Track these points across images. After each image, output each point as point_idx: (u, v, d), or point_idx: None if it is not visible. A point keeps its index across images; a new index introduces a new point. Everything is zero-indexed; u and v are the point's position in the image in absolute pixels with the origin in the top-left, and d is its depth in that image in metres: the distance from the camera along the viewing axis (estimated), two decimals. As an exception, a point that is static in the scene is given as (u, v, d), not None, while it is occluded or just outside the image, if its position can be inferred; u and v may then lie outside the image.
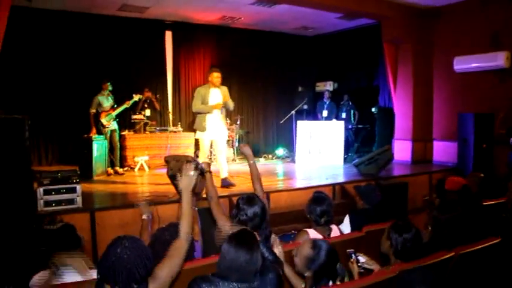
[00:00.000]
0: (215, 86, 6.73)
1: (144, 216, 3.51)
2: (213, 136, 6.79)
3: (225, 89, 6.83)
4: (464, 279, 2.62)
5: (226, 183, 6.67)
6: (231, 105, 6.86)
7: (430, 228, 3.22)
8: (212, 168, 3.92)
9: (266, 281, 2.25)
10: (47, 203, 4.96)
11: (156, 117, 9.80)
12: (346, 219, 3.89)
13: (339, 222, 3.91)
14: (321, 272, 2.50)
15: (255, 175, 3.60)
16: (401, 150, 9.77)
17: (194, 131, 7.32)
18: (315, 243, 2.58)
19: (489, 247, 2.50)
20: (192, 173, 2.62)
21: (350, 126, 10.71)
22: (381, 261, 2.96)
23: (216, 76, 6.72)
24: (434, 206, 3.97)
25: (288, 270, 2.71)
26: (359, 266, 2.86)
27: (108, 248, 2.09)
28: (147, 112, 9.46)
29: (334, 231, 3.51)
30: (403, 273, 1.96)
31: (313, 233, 3.39)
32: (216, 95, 6.74)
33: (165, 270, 2.20)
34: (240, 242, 2.25)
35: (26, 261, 3.69)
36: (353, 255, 2.88)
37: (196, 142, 9.95)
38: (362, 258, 2.90)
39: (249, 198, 3.02)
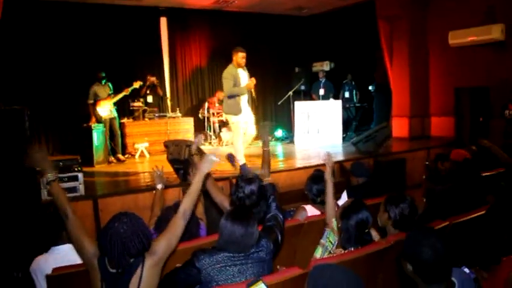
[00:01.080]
0: (241, 67, 6.34)
1: (158, 187, 3.54)
2: (247, 118, 6.46)
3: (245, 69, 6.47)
4: (461, 247, 2.71)
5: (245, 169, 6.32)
6: None
7: (424, 199, 3.31)
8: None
9: (259, 246, 2.41)
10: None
11: (159, 103, 9.83)
12: (344, 195, 3.97)
13: (337, 199, 3.98)
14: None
15: (266, 161, 3.70)
16: (399, 126, 9.85)
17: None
18: None
19: (482, 216, 2.57)
20: (214, 158, 2.68)
21: (349, 105, 10.68)
22: (379, 235, 3.05)
23: (241, 56, 6.26)
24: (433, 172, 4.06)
25: None
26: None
27: (108, 222, 2.22)
28: (149, 98, 9.51)
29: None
30: (410, 233, 2.03)
31: (310, 209, 3.47)
32: (244, 75, 6.38)
33: (162, 245, 2.30)
34: (236, 218, 2.39)
35: (32, 249, 3.78)
36: None
37: (197, 126, 10.09)
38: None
39: (248, 177, 3.09)
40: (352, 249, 2.65)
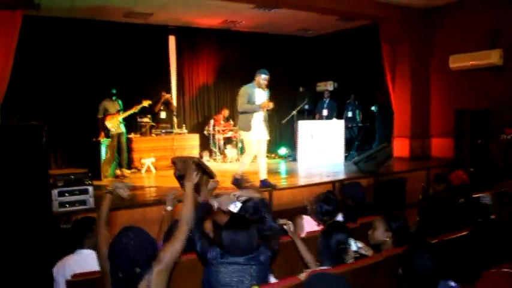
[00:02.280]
0: (261, 87, 6.63)
1: (168, 208, 3.68)
2: (259, 136, 6.64)
3: (267, 91, 6.73)
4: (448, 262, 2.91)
5: (266, 184, 6.64)
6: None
7: (417, 218, 3.51)
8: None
9: (260, 251, 2.65)
10: (61, 204, 5.24)
11: (172, 119, 10.05)
12: (339, 216, 4.15)
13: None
14: None
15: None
16: (400, 147, 10.04)
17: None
18: None
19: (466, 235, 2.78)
20: (196, 173, 3.01)
21: (352, 125, 10.87)
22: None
23: (263, 78, 6.59)
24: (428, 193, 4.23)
25: (301, 247, 3.19)
26: (355, 252, 3.13)
27: (115, 237, 2.41)
28: (163, 114, 9.78)
29: (330, 224, 3.79)
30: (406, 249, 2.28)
31: (307, 219, 3.67)
32: (261, 95, 6.65)
33: (168, 252, 2.46)
34: (237, 224, 2.65)
35: (43, 258, 3.98)
36: (349, 241, 3.16)
37: (202, 143, 10.32)
38: (359, 244, 3.19)
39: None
40: (329, 266, 2.81)
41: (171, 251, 2.47)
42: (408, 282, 2.25)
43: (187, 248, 2.89)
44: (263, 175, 6.75)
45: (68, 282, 2.77)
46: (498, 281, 2.34)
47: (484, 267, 2.42)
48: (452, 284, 2.40)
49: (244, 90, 6.63)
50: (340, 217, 4.07)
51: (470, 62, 8.81)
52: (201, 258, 2.80)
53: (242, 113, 6.61)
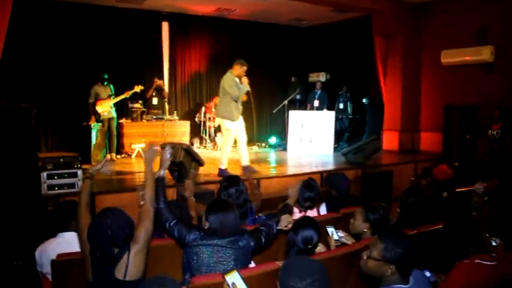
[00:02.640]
0: (239, 77, 6.78)
1: (141, 203, 3.63)
2: (238, 124, 6.87)
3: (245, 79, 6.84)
4: (427, 253, 3.00)
5: (249, 170, 6.75)
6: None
7: (398, 210, 3.60)
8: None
9: (242, 237, 2.77)
10: (50, 187, 5.29)
11: (163, 105, 10.04)
12: (323, 205, 4.24)
13: (318, 208, 4.26)
14: None
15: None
16: (390, 140, 10.15)
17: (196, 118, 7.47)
18: None
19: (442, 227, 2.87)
20: (155, 148, 3.14)
21: (342, 116, 10.96)
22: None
23: (243, 70, 6.76)
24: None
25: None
26: (337, 240, 3.22)
27: (95, 218, 2.51)
28: (155, 100, 9.79)
29: (313, 213, 3.88)
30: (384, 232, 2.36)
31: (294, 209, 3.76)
32: (238, 85, 6.81)
33: (141, 231, 2.57)
34: (222, 207, 2.78)
35: (32, 239, 4.02)
36: (331, 230, 3.24)
37: (193, 130, 10.36)
38: (341, 234, 3.28)
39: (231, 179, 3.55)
40: None
41: (144, 231, 2.57)
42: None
43: (159, 234, 3.01)
44: (246, 161, 6.97)
45: (52, 262, 2.83)
46: (470, 271, 2.43)
47: (457, 258, 2.51)
48: (427, 273, 2.49)
49: (231, 78, 6.75)
50: (323, 207, 4.16)
51: (461, 58, 8.90)
52: (179, 242, 2.89)
53: (228, 102, 6.71)
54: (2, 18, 6.26)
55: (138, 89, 8.83)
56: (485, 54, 8.52)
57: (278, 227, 3.06)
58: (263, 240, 2.93)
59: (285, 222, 3.07)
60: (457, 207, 3.91)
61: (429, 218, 3.42)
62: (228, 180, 3.67)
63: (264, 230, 2.97)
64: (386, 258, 2.17)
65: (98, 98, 8.40)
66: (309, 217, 3.13)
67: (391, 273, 2.16)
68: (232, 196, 3.45)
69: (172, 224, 2.84)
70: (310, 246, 2.87)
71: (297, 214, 3.73)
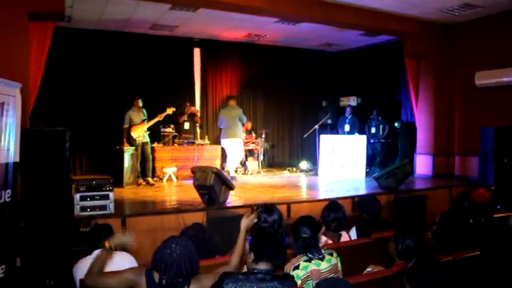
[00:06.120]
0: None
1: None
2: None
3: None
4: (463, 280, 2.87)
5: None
6: None
7: (429, 235, 3.47)
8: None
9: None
10: (83, 208, 5.37)
11: (195, 130, 10.14)
12: (353, 229, 4.14)
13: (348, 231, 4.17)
14: None
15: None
16: (423, 164, 9.91)
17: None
18: None
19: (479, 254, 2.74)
20: (255, 220, 3.11)
21: (374, 141, 10.82)
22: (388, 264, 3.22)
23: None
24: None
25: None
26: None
27: (165, 242, 2.46)
28: (186, 125, 9.96)
29: (344, 237, 3.78)
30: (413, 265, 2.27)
31: (323, 238, 3.66)
32: None
33: (209, 281, 2.54)
34: (271, 238, 2.76)
35: (63, 258, 4.08)
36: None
37: (224, 154, 10.42)
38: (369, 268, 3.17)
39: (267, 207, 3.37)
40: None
41: (210, 282, 2.55)
42: None
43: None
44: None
45: (81, 281, 2.84)
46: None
47: (497, 286, 2.38)
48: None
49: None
50: (353, 231, 4.06)
51: (496, 79, 8.68)
52: None
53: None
54: (43, 47, 6.57)
55: (170, 110, 8.96)
56: (521, 75, 8.29)
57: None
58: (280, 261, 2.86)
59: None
60: (495, 233, 3.73)
61: (466, 244, 3.28)
62: (264, 210, 3.40)
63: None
64: None
65: (132, 124, 8.55)
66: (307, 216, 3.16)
67: None
68: (273, 226, 3.29)
69: None
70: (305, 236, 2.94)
71: (329, 241, 3.65)
